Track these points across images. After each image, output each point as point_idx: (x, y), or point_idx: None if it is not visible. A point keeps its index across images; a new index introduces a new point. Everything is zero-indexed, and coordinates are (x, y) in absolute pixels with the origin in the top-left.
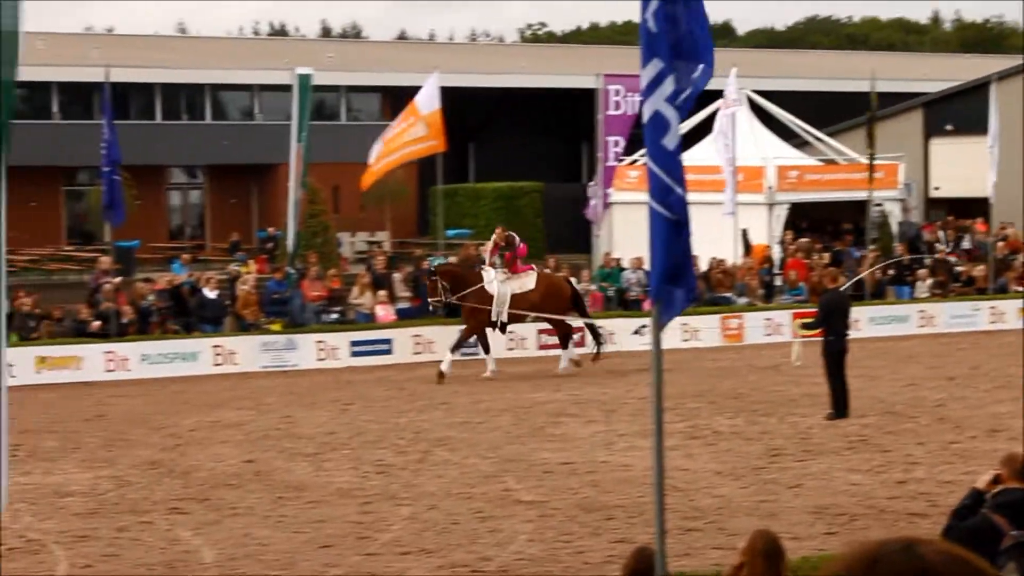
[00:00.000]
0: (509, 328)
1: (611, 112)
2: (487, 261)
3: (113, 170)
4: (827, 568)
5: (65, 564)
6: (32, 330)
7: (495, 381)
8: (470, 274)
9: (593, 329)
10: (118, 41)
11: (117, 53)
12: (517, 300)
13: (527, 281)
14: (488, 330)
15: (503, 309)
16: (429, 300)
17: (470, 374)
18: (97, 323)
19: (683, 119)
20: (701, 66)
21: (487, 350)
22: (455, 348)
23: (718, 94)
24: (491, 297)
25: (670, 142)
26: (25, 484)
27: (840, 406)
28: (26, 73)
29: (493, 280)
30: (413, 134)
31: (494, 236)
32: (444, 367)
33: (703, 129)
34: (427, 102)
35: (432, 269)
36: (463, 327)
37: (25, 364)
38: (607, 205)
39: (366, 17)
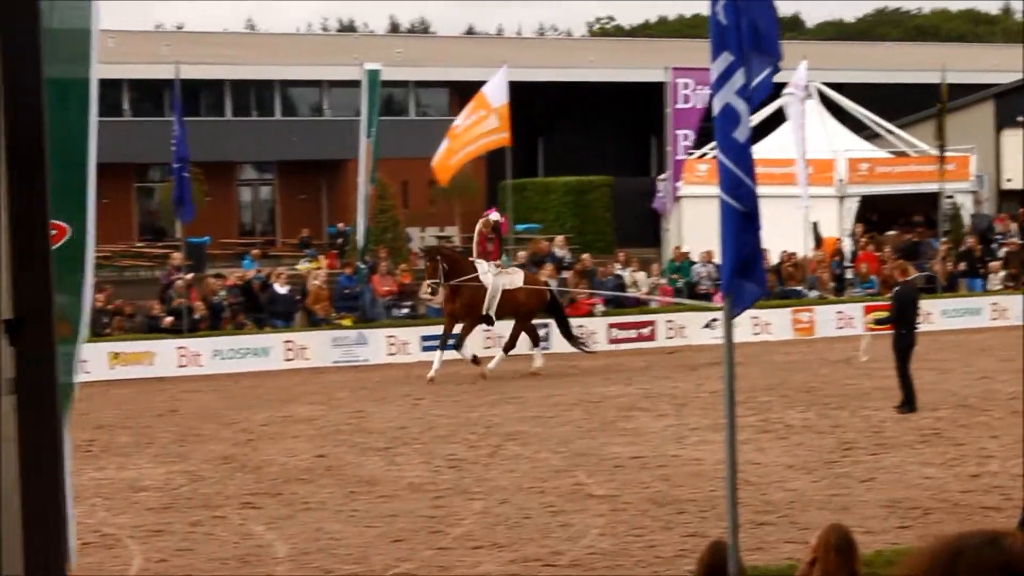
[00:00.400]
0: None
1: (680, 106)
2: (475, 252)
3: (183, 167)
4: (909, 561)
5: (140, 559)
6: (105, 326)
7: (565, 375)
8: (466, 263)
9: (570, 333)
10: (188, 38)
11: (187, 50)
12: (505, 296)
13: (516, 278)
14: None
15: (493, 303)
16: (427, 281)
17: (544, 367)
18: (169, 319)
19: (752, 112)
20: (769, 59)
21: (460, 346)
22: (459, 346)
23: (785, 86)
24: (484, 289)
25: (741, 135)
26: (100, 479)
27: (910, 400)
28: (98, 71)
29: (487, 272)
30: (486, 126)
31: (480, 226)
32: (475, 359)
33: (773, 122)
34: (497, 95)
35: (435, 250)
36: (450, 319)
37: (99, 360)
38: (676, 199)
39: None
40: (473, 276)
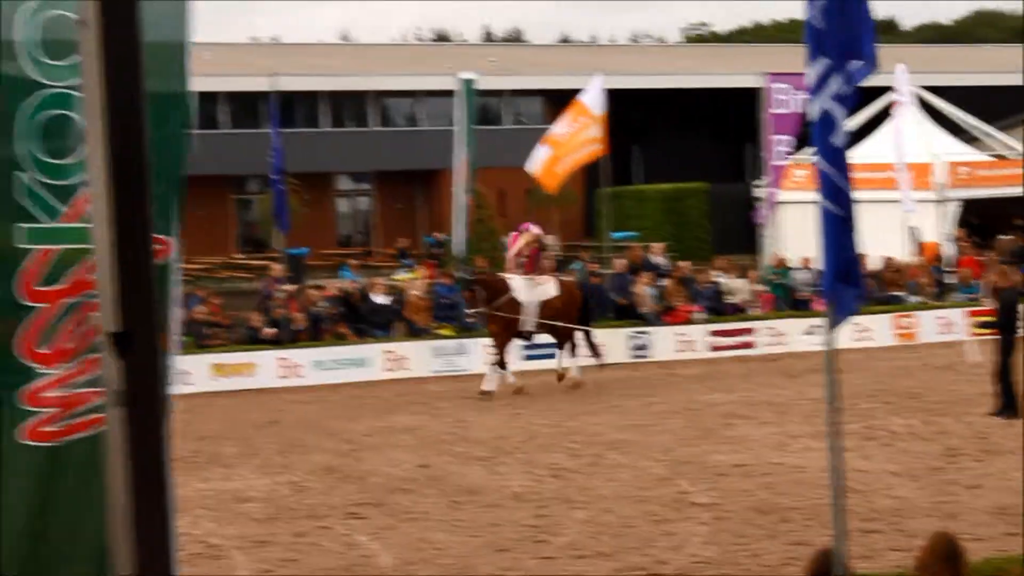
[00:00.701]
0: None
1: (776, 111)
2: (525, 269)
3: (281, 178)
4: None
5: (245, 569)
6: (206, 337)
7: (665, 383)
8: (500, 283)
9: (591, 341)
10: (284, 50)
11: (283, 62)
12: (542, 308)
13: (549, 288)
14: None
15: (530, 318)
16: (467, 311)
17: (639, 377)
18: (270, 330)
19: (849, 116)
20: (862, 61)
21: (504, 365)
22: (500, 364)
23: (886, 90)
24: (520, 306)
25: (838, 140)
26: (205, 490)
27: (1012, 405)
28: (194, 84)
29: (522, 288)
30: (589, 134)
31: (526, 241)
32: (489, 386)
33: (871, 126)
34: (596, 104)
35: (471, 279)
36: (494, 340)
37: (201, 371)
38: (774, 204)
39: (528, 20)
40: (508, 296)
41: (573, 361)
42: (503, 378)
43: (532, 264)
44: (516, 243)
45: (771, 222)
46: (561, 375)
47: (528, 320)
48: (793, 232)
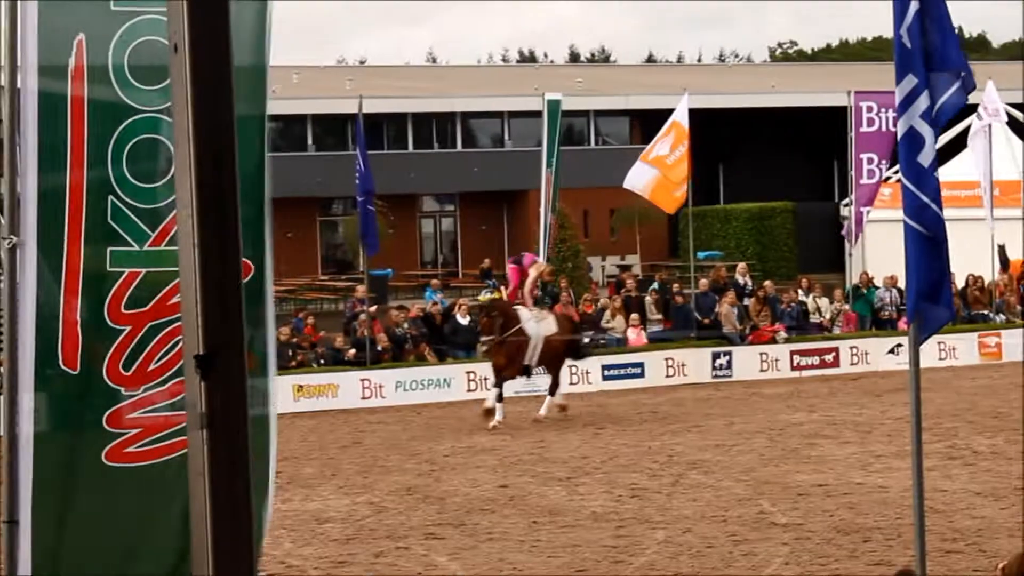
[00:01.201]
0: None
1: (864, 129)
2: (527, 300)
3: (368, 199)
4: None
5: None
6: (290, 359)
7: (747, 403)
8: (513, 313)
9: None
10: (370, 72)
11: (369, 84)
12: (545, 343)
13: (550, 323)
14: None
15: (536, 353)
16: (483, 339)
17: (721, 396)
18: (352, 351)
19: (938, 134)
20: (961, 78)
21: (501, 397)
22: (499, 398)
23: (974, 108)
24: (528, 339)
25: (925, 159)
26: (285, 511)
27: None
28: (282, 106)
29: (530, 320)
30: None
31: (539, 269)
32: (496, 416)
33: (959, 144)
34: (684, 120)
35: (490, 306)
36: (499, 372)
37: (283, 392)
38: (861, 223)
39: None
40: (518, 327)
41: (553, 399)
42: (493, 412)
43: (533, 293)
44: (531, 274)
45: (858, 241)
46: (564, 406)
47: (533, 355)
48: (880, 251)
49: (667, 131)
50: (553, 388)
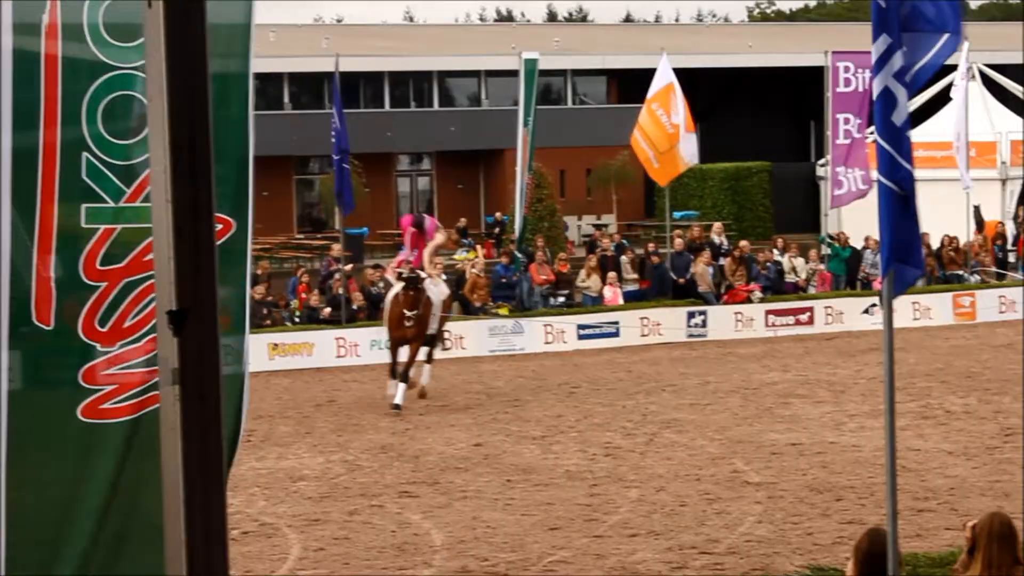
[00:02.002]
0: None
1: (840, 89)
2: (427, 266)
3: (343, 158)
4: None
5: (298, 547)
6: (264, 318)
7: (722, 362)
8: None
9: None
10: (347, 31)
11: (346, 43)
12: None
13: (443, 286)
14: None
15: (436, 320)
16: (408, 314)
17: (696, 356)
18: (328, 309)
19: (917, 93)
20: (945, 36)
21: (407, 376)
22: (407, 376)
23: (950, 68)
24: (431, 308)
25: (898, 118)
26: (259, 469)
27: None
28: (258, 65)
29: (431, 287)
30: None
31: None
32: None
33: (935, 104)
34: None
35: (414, 276)
36: (415, 345)
37: (259, 350)
38: (837, 183)
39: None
40: (427, 297)
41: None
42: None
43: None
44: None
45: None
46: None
47: (434, 323)
48: (854, 211)
49: (672, 96)
50: (431, 354)
